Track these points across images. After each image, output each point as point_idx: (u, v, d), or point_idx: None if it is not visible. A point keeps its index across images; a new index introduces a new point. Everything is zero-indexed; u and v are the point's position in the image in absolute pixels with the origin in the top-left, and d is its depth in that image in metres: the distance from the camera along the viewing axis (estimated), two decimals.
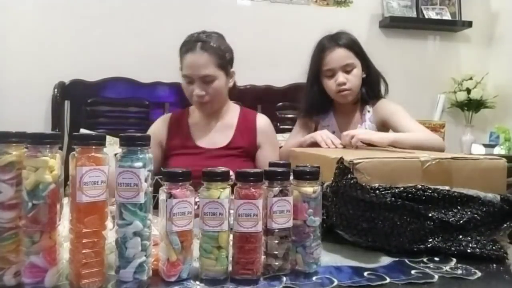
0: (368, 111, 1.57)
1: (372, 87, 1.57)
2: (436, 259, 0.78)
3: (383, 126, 1.54)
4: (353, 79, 1.49)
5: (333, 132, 1.53)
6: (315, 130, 1.61)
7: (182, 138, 1.49)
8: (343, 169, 0.81)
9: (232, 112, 1.54)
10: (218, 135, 1.49)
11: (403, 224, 0.80)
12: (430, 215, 0.81)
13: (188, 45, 1.42)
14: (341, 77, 1.48)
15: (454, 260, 0.78)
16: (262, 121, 1.54)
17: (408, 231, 0.80)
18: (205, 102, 1.42)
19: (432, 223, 0.81)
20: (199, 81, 1.40)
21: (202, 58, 1.40)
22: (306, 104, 1.61)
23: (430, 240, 0.80)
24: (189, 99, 1.46)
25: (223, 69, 1.43)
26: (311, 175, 0.72)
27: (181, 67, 1.44)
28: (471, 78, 2.61)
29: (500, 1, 2.75)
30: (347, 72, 1.49)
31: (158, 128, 1.53)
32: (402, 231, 0.80)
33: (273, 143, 1.54)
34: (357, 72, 1.51)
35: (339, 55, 1.49)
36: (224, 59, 1.44)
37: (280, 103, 2.42)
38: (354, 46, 1.53)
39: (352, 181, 0.78)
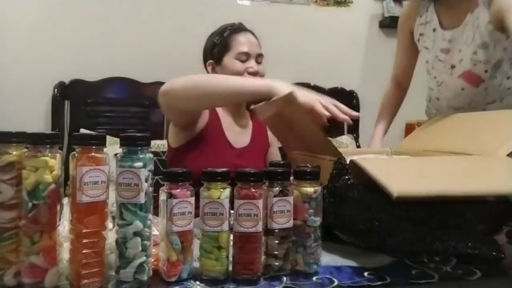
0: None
1: None
2: (436, 259, 0.78)
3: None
4: None
5: (434, 30, 1.38)
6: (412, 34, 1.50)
7: (217, 132, 1.38)
8: (341, 169, 0.81)
9: (246, 113, 1.51)
10: (242, 135, 1.45)
11: (400, 225, 0.80)
12: (427, 214, 0.81)
13: (235, 27, 1.44)
14: None
15: (454, 260, 0.78)
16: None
17: (405, 232, 0.80)
18: None
19: (429, 223, 0.81)
20: (254, 58, 1.40)
21: (255, 39, 1.45)
22: None
23: (428, 240, 0.80)
24: None
25: None
26: (312, 175, 0.72)
27: (226, 49, 1.40)
28: None
29: None
30: None
31: None
32: (399, 232, 0.80)
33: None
34: None
35: None
36: None
37: None
38: None
39: (349, 182, 0.79)
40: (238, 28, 1.44)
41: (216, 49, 1.43)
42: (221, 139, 1.38)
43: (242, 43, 1.40)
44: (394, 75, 1.66)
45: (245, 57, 1.39)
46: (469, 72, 1.34)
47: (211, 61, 1.44)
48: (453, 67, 1.38)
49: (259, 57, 1.42)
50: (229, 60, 1.40)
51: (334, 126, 1.51)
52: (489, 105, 1.38)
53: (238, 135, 1.44)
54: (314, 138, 0.94)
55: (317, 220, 0.71)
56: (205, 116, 1.37)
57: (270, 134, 1.52)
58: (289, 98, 0.94)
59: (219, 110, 1.45)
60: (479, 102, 1.38)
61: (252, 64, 1.39)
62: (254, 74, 1.38)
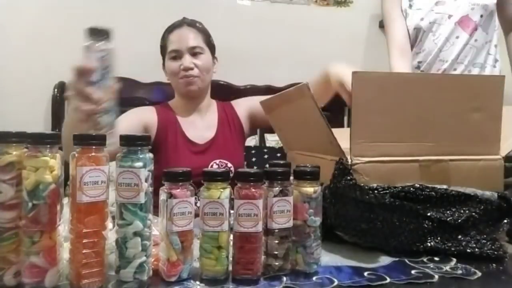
0: None
1: None
2: (436, 259, 0.78)
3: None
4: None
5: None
6: None
7: (175, 134, 1.39)
8: (343, 169, 0.81)
9: (213, 106, 1.51)
10: (206, 129, 1.44)
11: (402, 225, 0.80)
12: (428, 214, 0.81)
13: (173, 25, 1.43)
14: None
15: (454, 260, 0.78)
16: (236, 102, 1.53)
17: (407, 231, 0.80)
18: (193, 77, 1.36)
19: (430, 223, 0.81)
20: (188, 53, 1.36)
21: (190, 32, 1.40)
22: None
23: (429, 240, 0.81)
24: (174, 79, 1.39)
25: (210, 48, 1.42)
26: (311, 175, 0.72)
27: (165, 51, 1.40)
28: None
29: None
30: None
31: (147, 114, 1.40)
32: (401, 232, 0.80)
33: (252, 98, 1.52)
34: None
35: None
36: (211, 40, 1.44)
37: None
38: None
39: (351, 182, 0.79)
40: (173, 27, 1.42)
41: (161, 53, 1.45)
42: (179, 140, 1.37)
43: (172, 41, 1.38)
44: (396, 45, 1.72)
45: (175, 54, 1.37)
46: (466, 17, 1.61)
47: (163, 66, 1.46)
48: (450, 16, 1.63)
49: (193, 49, 1.37)
50: (167, 61, 1.40)
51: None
52: (474, 68, 1.64)
53: (203, 130, 1.42)
54: (320, 135, 0.94)
55: (317, 220, 0.71)
56: (152, 127, 1.36)
57: (242, 107, 1.49)
58: (302, 90, 0.91)
59: (178, 111, 1.44)
60: (467, 57, 1.62)
61: (183, 61, 1.35)
62: (186, 69, 1.34)
